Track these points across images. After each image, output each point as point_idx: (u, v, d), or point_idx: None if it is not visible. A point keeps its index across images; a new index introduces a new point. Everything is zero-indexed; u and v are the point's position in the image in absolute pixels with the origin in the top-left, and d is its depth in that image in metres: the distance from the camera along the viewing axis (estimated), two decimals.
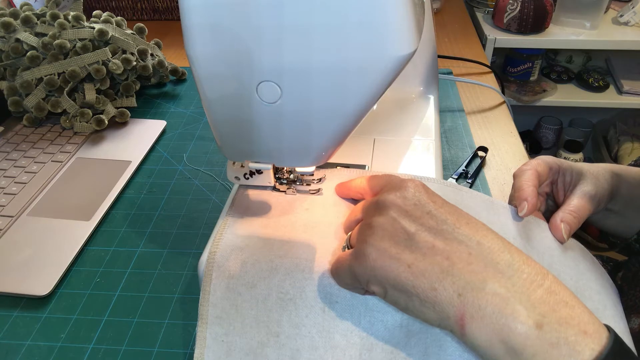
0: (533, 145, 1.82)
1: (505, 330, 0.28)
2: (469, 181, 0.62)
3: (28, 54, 0.69)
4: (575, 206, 0.43)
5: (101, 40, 0.73)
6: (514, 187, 0.44)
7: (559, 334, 0.27)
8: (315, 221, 0.43)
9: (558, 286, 0.30)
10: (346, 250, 0.37)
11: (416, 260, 0.31)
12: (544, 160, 0.45)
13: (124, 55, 0.75)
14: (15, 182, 0.62)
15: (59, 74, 0.70)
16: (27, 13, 0.73)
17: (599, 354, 0.26)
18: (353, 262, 0.34)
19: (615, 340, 0.27)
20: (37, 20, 0.74)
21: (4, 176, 0.63)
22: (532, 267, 0.30)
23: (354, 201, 0.45)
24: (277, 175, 0.47)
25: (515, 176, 0.45)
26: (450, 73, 0.87)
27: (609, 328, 0.28)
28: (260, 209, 0.45)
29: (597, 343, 0.27)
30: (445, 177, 0.62)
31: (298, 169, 0.45)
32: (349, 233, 0.38)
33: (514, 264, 0.30)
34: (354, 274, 0.34)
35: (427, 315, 0.31)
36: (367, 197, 0.41)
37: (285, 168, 0.46)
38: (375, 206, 0.35)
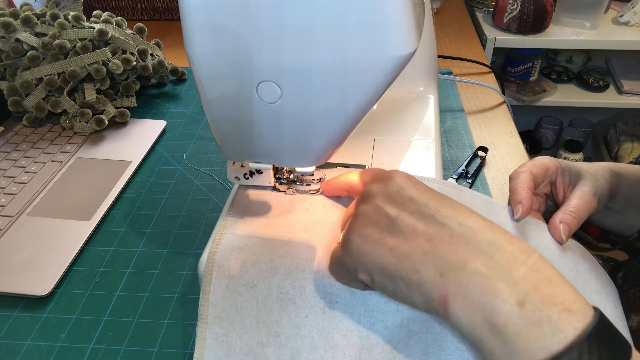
0: (533, 145, 1.82)
1: (487, 309, 0.28)
2: (469, 181, 0.62)
3: (28, 54, 0.69)
4: (575, 207, 0.43)
5: (101, 40, 0.73)
6: (509, 189, 0.44)
7: (542, 312, 0.27)
8: (315, 221, 0.43)
9: (543, 264, 0.29)
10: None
11: (398, 244, 0.31)
12: (541, 161, 0.45)
13: (124, 55, 0.75)
14: (15, 182, 0.62)
15: (59, 74, 0.70)
16: (27, 13, 0.73)
17: (582, 332, 0.26)
18: (341, 252, 0.35)
19: (600, 319, 0.27)
20: (37, 20, 0.74)
21: (4, 176, 0.63)
22: (515, 246, 0.30)
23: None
24: (277, 175, 0.47)
25: (510, 179, 0.45)
26: (450, 73, 0.87)
27: (595, 308, 0.28)
28: (260, 209, 0.45)
29: (581, 321, 0.26)
30: (445, 177, 0.62)
31: (298, 169, 0.45)
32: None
33: (495, 242, 0.30)
34: (343, 264, 0.35)
35: (413, 299, 0.31)
36: (355, 195, 0.42)
37: (285, 168, 0.46)
38: (361, 198, 0.36)
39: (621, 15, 1.35)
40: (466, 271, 0.29)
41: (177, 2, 0.80)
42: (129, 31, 0.79)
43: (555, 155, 1.71)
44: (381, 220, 0.33)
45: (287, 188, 0.47)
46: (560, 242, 0.41)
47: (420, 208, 0.32)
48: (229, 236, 0.42)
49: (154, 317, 0.47)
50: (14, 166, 0.65)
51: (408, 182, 0.35)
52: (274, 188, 0.47)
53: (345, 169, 0.50)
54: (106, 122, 0.71)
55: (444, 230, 0.31)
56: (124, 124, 0.74)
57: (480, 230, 0.31)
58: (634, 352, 0.27)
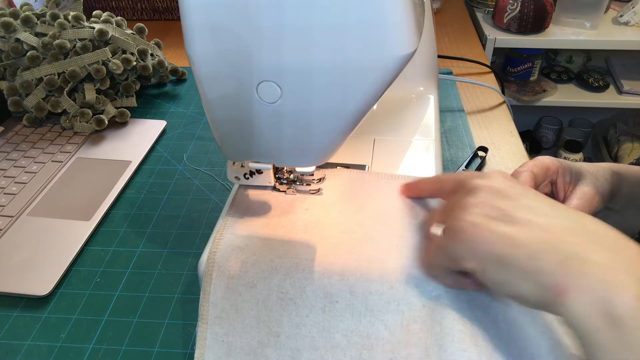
0: (533, 145, 1.81)
1: (607, 301, 0.27)
2: None
3: (28, 54, 0.69)
4: (575, 206, 0.43)
5: (101, 40, 0.73)
6: None
7: None
8: (315, 221, 0.43)
9: None
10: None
11: (515, 233, 0.31)
12: (541, 161, 0.45)
13: (124, 55, 0.75)
14: (15, 182, 0.62)
15: (59, 74, 0.70)
16: (27, 13, 0.73)
17: None
18: (447, 241, 0.34)
19: None
20: (37, 20, 0.74)
21: (4, 176, 0.63)
22: (637, 246, 0.30)
23: (356, 200, 0.45)
24: (277, 175, 0.47)
25: None
26: (450, 73, 0.87)
27: None
28: (260, 209, 0.45)
29: None
30: None
31: (298, 169, 0.45)
32: (441, 227, 0.37)
33: (618, 239, 0.30)
34: (448, 253, 0.34)
35: (524, 288, 0.30)
36: (441, 197, 0.42)
37: (285, 168, 0.46)
38: (465, 192, 0.35)
39: (621, 15, 1.35)
40: (588, 262, 0.29)
41: (177, 2, 0.80)
42: (129, 31, 0.79)
43: (555, 155, 1.70)
44: (493, 211, 0.32)
45: (287, 188, 0.47)
46: None
47: (532, 202, 0.33)
48: (229, 236, 0.42)
49: (154, 317, 0.47)
50: (14, 166, 0.65)
51: (512, 179, 0.35)
52: (274, 188, 0.47)
53: (346, 169, 0.50)
54: (106, 122, 0.71)
55: (563, 223, 0.31)
56: (124, 124, 0.74)
57: (600, 228, 0.31)
58: None
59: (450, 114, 0.76)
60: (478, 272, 0.32)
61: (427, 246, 0.37)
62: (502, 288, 0.32)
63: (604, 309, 0.27)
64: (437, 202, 0.45)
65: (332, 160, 0.46)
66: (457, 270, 0.35)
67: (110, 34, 0.73)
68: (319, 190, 0.46)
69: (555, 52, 1.63)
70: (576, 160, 0.56)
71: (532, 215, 0.32)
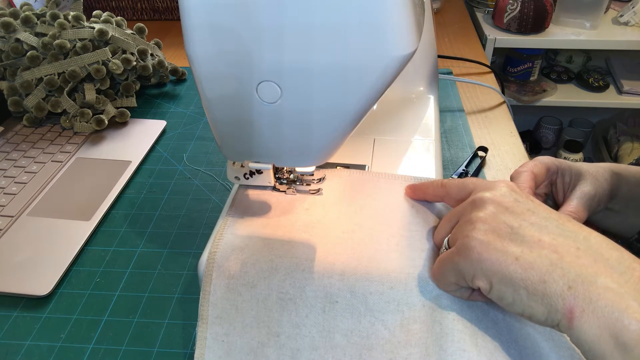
0: (533, 145, 1.82)
1: (617, 326, 0.27)
2: None
3: (28, 54, 0.69)
4: (575, 207, 0.43)
5: (101, 40, 0.73)
6: None
7: None
8: (315, 221, 0.43)
9: None
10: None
11: (523, 253, 0.31)
12: (541, 161, 0.45)
13: (124, 55, 0.75)
14: (15, 182, 0.62)
15: (59, 74, 0.70)
16: (27, 13, 0.73)
17: None
18: (456, 257, 0.34)
19: None
20: (37, 20, 0.74)
21: (4, 176, 0.63)
22: None
23: (356, 200, 0.45)
24: (277, 175, 0.47)
25: (512, 178, 0.45)
26: (450, 73, 0.87)
27: None
28: (260, 209, 0.45)
29: None
30: (446, 177, 0.62)
31: (298, 169, 0.45)
32: (446, 237, 0.37)
33: (624, 261, 0.30)
34: (458, 270, 0.34)
35: (534, 310, 0.30)
36: (446, 202, 0.42)
37: (285, 168, 0.46)
38: (472, 205, 0.35)
39: (621, 15, 1.35)
40: (596, 285, 0.28)
41: (177, 2, 0.80)
42: (129, 31, 0.79)
43: (555, 155, 1.71)
44: (501, 227, 0.32)
45: (287, 188, 0.47)
46: None
47: (540, 220, 0.32)
48: (229, 236, 0.42)
49: (154, 317, 0.47)
50: (14, 166, 0.65)
51: (520, 192, 0.35)
52: (274, 188, 0.47)
53: (346, 169, 0.50)
54: (106, 122, 0.71)
55: (570, 243, 0.31)
56: (124, 124, 0.74)
57: (607, 247, 0.30)
58: None
59: (450, 114, 0.76)
60: (487, 290, 0.32)
61: (437, 260, 0.37)
62: (511, 307, 0.32)
63: (614, 334, 0.27)
64: (439, 204, 0.45)
65: (332, 160, 0.46)
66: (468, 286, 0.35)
67: (110, 34, 0.73)
68: (319, 190, 0.46)
69: (555, 52, 1.63)
70: (576, 160, 0.56)
71: (540, 234, 0.31)
